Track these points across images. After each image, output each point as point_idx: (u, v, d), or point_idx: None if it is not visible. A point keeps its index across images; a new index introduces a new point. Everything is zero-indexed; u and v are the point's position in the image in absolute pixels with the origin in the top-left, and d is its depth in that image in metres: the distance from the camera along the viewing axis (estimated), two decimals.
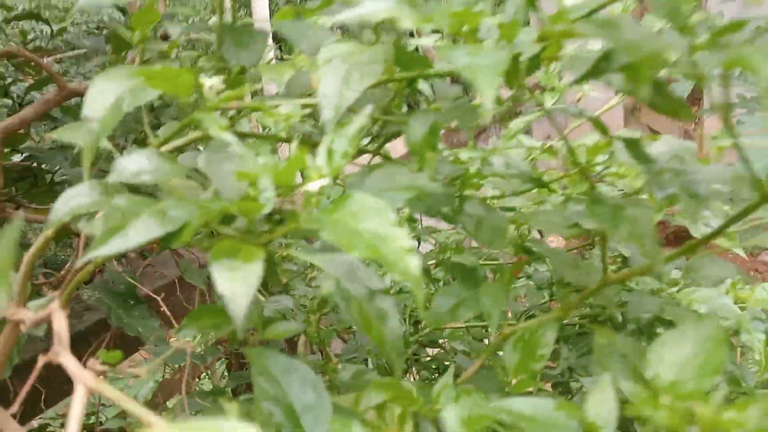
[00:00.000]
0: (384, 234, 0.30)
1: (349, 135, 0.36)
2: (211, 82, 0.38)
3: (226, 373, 1.45)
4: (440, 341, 0.79)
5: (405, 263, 0.29)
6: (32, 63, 1.10)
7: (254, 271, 0.34)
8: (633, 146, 0.38)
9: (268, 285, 0.80)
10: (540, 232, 0.84)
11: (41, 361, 0.42)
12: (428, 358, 0.79)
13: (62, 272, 0.99)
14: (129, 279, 0.97)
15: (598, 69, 0.32)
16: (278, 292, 0.79)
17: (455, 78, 0.54)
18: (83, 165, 0.44)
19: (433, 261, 0.69)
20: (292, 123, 0.42)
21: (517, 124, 0.55)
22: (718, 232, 0.37)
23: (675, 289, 0.64)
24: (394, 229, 0.30)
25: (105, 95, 0.43)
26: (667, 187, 0.35)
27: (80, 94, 0.90)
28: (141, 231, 0.35)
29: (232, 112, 0.48)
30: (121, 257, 1.35)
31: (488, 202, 0.55)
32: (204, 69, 0.51)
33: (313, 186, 0.34)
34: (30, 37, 1.29)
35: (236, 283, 0.34)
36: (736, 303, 0.68)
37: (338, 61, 0.41)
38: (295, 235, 0.53)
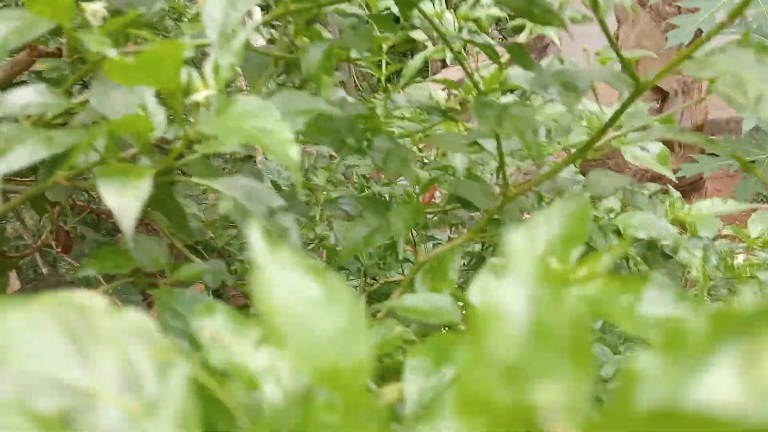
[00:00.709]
0: (268, 128, 0.30)
1: (235, 49, 0.36)
2: (94, 7, 0.38)
3: None
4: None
5: (285, 151, 0.29)
6: None
7: (144, 186, 0.34)
8: (518, 53, 0.39)
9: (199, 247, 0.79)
10: None
11: None
12: None
13: (38, 243, 0.94)
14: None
15: None
16: (217, 257, 0.78)
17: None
18: None
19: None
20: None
21: (415, 61, 0.56)
22: (609, 125, 0.39)
23: (612, 215, 0.66)
24: (277, 124, 0.31)
25: None
26: (549, 85, 0.37)
27: (52, 54, 0.86)
28: (25, 153, 0.34)
29: None
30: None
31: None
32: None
33: (198, 96, 0.34)
34: None
35: (125, 197, 0.33)
36: (674, 224, 0.71)
37: None
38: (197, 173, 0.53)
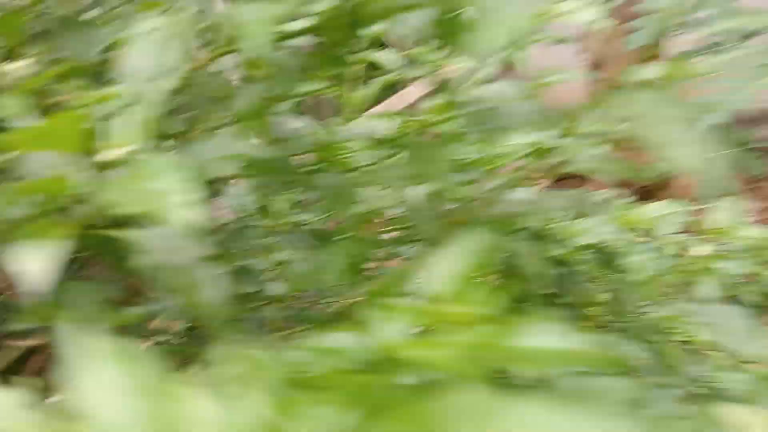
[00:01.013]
0: (164, 190, 0.30)
1: (151, 101, 0.36)
2: (15, 66, 0.38)
3: None
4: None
5: (179, 218, 0.29)
6: None
7: (59, 250, 0.34)
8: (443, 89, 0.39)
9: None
10: None
11: None
12: None
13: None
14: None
15: None
16: None
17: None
18: None
19: None
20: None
21: (361, 93, 0.56)
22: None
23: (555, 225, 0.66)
24: (176, 186, 0.30)
25: None
26: (484, 123, 0.36)
27: None
28: None
29: None
30: None
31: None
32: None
33: (104, 157, 0.34)
34: None
35: (39, 261, 0.33)
36: (623, 228, 0.70)
37: (149, 35, 0.40)
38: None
